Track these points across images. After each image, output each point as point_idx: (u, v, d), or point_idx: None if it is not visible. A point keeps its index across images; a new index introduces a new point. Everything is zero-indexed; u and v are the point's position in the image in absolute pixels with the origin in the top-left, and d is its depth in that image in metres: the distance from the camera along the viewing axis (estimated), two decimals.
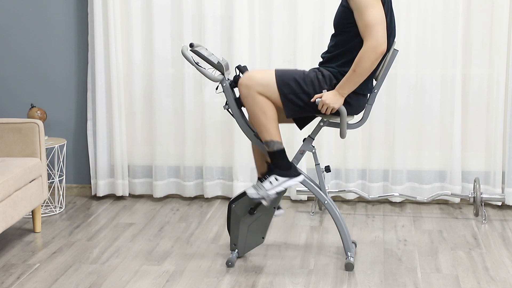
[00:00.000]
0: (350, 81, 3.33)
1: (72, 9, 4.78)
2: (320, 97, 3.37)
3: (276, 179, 3.45)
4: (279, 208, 3.64)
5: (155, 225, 4.33)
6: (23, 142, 4.13)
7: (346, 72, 3.37)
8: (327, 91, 3.38)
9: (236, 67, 3.53)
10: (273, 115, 3.42)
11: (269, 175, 3.46)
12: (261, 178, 3.51)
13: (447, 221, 4.35)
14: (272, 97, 3.41)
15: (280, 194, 3.54)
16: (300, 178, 3.48)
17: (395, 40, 3.48)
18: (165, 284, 3.42)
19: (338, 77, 3.39)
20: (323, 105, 3.36)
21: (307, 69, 3.54)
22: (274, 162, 3.46)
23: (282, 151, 3.45)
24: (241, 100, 3.45)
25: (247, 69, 3.53)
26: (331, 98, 3.35)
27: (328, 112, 3.38)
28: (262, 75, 3.41)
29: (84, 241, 4.04)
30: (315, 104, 3.41)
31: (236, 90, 3.58)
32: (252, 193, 3.46)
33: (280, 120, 3.63)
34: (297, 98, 3.40)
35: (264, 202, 3.49)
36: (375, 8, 3.26)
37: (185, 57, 3.45)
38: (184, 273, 3.55)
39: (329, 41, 3.54)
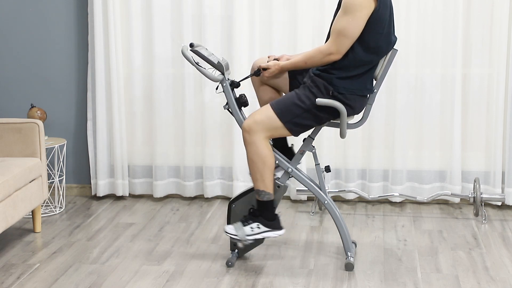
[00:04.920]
0: (296, 67, 3.46)
1: (72, 9, 4.78)
2: (265, 68, 3.49)
3: (258, 227, 3.49)
4: (280, 228, 3.61)
5: (155, 225, 4.33)
6: (23, 142, 4.13)
7: (342, 76, 3.38)
8: (324, 99, 3.38)
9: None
10: (272, 166, 3.45)
11: (253, 221, 3.49)
12: (243, 219, 3.52)
13: (447, 221, 4.35)
14: (278, 131, 3.44)
15: (274, 195, 3.55)
16: (281, 232, 3.53)
17: (396, 40, 3.49)
18: (165, 284, 3.42)
19: (333, 83, 3.39)
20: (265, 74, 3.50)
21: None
22: (261, 211, 3.49)
23: (271, 202, 3.49)
24: (244, 145, 3.48)
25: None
26: (272, 72, 3.49)
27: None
28: (262, 116, 3.43)
29: (84, 241, 4.04)
30: (320, 119, 3.44)
31: (236, 90, 3.59)
32: (230, 231, 3.49)
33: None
34: (302, 118, 3.42)
35: (239, 244, 3.53)
36: (357, 21, 3.29)
37: (185, 57, 3.45)
38: (184, 273, 3.55)
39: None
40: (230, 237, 3.50)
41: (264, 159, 3.42)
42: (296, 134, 3.48)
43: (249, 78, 3.67)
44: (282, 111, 3.41)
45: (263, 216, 3.49)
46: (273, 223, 3.51)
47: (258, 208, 3.50)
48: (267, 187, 3.45)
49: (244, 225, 3.49)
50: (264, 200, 3.47)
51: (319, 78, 3.41)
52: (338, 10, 3.40)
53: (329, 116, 3.45)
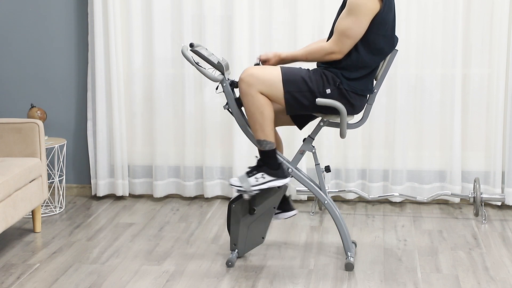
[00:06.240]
0: (296, 60, 3.47)
1: (72, 9, 4.79)
2: (265, 60, 3.50)
3: (263, 177, 3.47)
4: (292, 209, 3.62)
5: (155, 225, 4.33)
6: (23, 142, 4.13)
7: (346, 77, 3.38)
8: (331, 91, 3.38)
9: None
10: (270, 115, 3.42)
11: (257, 171, 3.48)
12: (248, 171, 3.51)
13: (447, 221, 4.35)
14: (274, 95, 3.41)
15: (274, 195, 3.54)
16: (287, 180, 3.51)
17: (398, 41, 3.49)
18: (165, 284, 3.42)
19: (340, 77, 3.39)
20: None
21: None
22: (264, 161, 3.48)
23: (274, 151, 3.48)
24: (240, 96, 3.45)
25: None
26: (272, 64, 3.52)
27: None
28: (264, 73, 3.41)
29: (84, 241, 4.04)
30: (316, 108, 3.43)
31: (236, 90, 3.58)
32: (235, 183, 3.48)
33: (279, 123, 3.63)
34: (302, 96, 3.40)
35: (244, 196, 3.50)
36: (361, 22, 3.29)
37: (185, 57, 3.45)
38: (184, 273, 3.55)
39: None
40: (236, 189, 3.48)
41: (261, 109, 3.40)
42: (289, 107, 3.44)
43: None
44: (288, 79, 3.40)
45: (267, 166, 3.47)
46: (278, 171, 3.48)
47: (261, 158, 3.49)
48: (268, 136, 3.44)
49: (249, 176, 3.48)
50: (266, 150, 3.46)
51: (328, 71, 3.42)
52: (342, 8, 3.40)
53: (327, 110, 3.44)
